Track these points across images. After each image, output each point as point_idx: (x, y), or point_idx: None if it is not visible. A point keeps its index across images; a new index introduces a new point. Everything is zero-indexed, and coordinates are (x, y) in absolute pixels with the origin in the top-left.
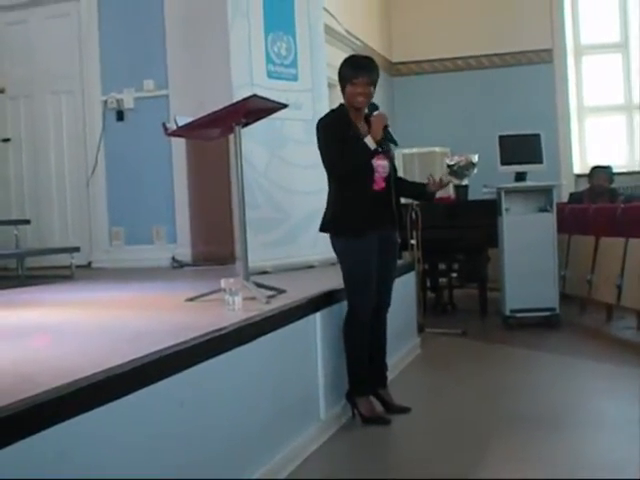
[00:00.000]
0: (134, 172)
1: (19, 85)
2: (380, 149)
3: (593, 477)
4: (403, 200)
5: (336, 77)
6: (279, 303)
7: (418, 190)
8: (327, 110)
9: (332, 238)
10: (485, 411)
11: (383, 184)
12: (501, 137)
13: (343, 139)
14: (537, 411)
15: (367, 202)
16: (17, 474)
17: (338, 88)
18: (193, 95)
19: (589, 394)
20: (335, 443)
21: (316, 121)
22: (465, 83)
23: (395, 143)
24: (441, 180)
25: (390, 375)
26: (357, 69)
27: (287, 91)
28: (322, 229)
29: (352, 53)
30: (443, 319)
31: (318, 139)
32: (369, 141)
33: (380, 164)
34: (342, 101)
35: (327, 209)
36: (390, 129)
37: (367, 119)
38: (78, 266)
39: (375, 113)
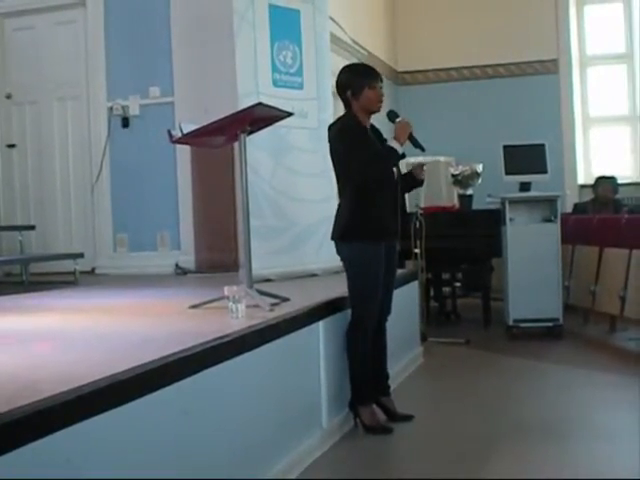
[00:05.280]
0: (139, 179)
1: (25, 91)
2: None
3: None
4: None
5: None
6: (282, 311)
7: (405, 181)
8: (332, 118)
9: (343, 245)
10: (488, 421)
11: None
12: (506, 147)
13: (366, 144)
14: (540, 421)
15: (387, 208)
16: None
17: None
18: (198, 102)
19: (592, 405)
20: (337, 452)
21: (321, 129)
22: (470, 93)
23: (422, 149)
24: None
25: (393, 384)
26: (373, 74)
27: (292, 99)
28: (336, 236)
29: (357, 62)
30: (446, 328)
31: (336, 144)
32: (396, 145)
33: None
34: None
35: (341, 216)
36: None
37: (371, 126)
38: (82, 272)
39: (398, 120)
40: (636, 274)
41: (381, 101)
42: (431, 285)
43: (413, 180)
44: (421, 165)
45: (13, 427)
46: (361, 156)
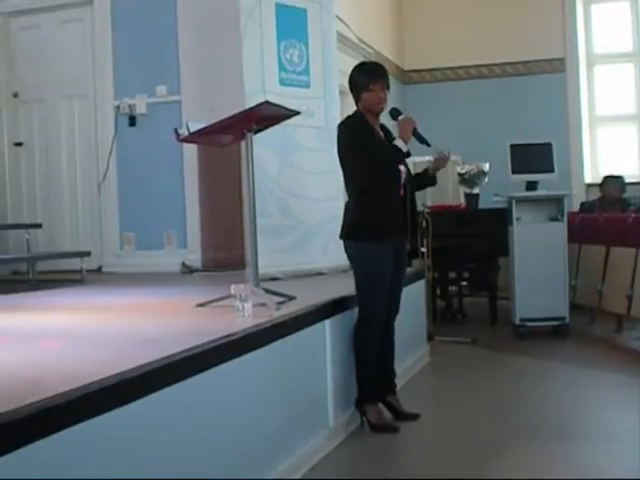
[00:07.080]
0: (145, 177)
1: (32, 90)
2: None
3: None
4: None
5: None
6: (289, 310)
7: (420, 179)
8: (339, 117)
9: (350, 243)
10: (494, 420)
11: (402, 190)
12: (512, 146)
13: (370, 143)
14: (546, 421)
15: (391, 207)
16: (27, 477)
17: (350, 95)
18: (205, 101)
19: (599, 404)
20: (343, 450)
21: (328, 128)
22: (477, 92)
23: (428, 144)
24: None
25: (399, 382)
26: (374, 75)
27: (299, 98)
28: (343, 235)
29: (364, 60)
30: (453, 327)
31: (341, 144)
32: (401, 144)
33: (400, 169)
34: (355, 108)
35: (348, 215)
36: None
37: (381, 126)
38: (89, 270)
39: (401, 117)
40: None
41: (381, 102)
42: (437, 284)
43: (427, 178)
44: (445, 156)
45: (19, 425)
46: (362, 155)
